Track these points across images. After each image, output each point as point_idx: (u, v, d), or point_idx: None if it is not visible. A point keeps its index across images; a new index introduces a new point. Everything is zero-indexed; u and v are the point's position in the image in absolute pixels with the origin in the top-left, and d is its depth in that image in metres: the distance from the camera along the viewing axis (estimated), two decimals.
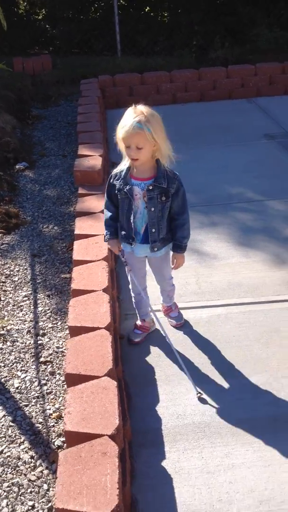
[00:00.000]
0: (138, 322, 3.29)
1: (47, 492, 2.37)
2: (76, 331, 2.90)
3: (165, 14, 11.06)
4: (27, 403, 2.86)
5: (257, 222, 4.52)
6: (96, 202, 4.34)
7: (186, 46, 9.88)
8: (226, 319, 3.36)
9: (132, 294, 3.22)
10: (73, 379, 2.57)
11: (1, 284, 3.91)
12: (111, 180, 2.85)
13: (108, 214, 2.95)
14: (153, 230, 2.83)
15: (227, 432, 2.58)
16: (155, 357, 3.11)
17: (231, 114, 7.35)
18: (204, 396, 2.78)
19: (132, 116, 2.55)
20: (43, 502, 2.33)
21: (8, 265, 4.15)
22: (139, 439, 2.56)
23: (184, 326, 3.32)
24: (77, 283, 3.29)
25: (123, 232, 2.91)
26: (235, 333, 3.23)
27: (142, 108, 2.58)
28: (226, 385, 2.87)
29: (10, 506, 2.32)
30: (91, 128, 5.95)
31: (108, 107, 7.93)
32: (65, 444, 2.52)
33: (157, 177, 2.73)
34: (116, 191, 2.82)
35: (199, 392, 2.79)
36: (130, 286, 3.19)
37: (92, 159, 5.07)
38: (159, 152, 2.67)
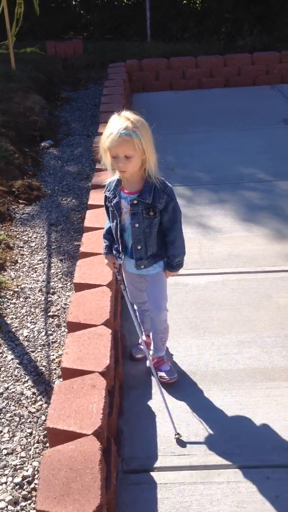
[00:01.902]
0: (143, 337, 2.95)
1: (44, 422, 2.68)
2: (80, 287, 3.19)
3: (197, 1, 11.18)
4: (34, 349, 3.17)
5: (263, 200, 4.73)
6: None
7: (215, 33, 10.03)
8: (222, 286, 3.61)
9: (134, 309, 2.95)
10: (74, 327, 2.86)
11: (20, 248, 4.23)
12: (104, 191, 2.64)
13: (106, 226, 2.77)
14: (139, 247, 2.59)
15: (209, 380, 2.85)
16: None
17: (253, 100, 7.52)
18: (183, 438, 2.53)
19: (118, 123, 2.34)
20: (40, 430, 2.64)
21: (27, 232, 4.47)
22: (131, 381, 2.85)
23: (178, 293, 3.15)
24: (85, 247, 3.58)
25: (115, 245, 2.72)
26: (229, 298, 3.48)
27: (127, 115, 2.37)
28: (215, 340, 3.12)
29: (11, 433, 2.63)
30: (113, 109, 6.17)
31: (134, 90, 8.17)
32: None
33: (142, 192, 2.49)
34: (107, 203, 2.64)
35: (177, 434, 2.53)
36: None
37: None
38: (147, 163, 2.43)
